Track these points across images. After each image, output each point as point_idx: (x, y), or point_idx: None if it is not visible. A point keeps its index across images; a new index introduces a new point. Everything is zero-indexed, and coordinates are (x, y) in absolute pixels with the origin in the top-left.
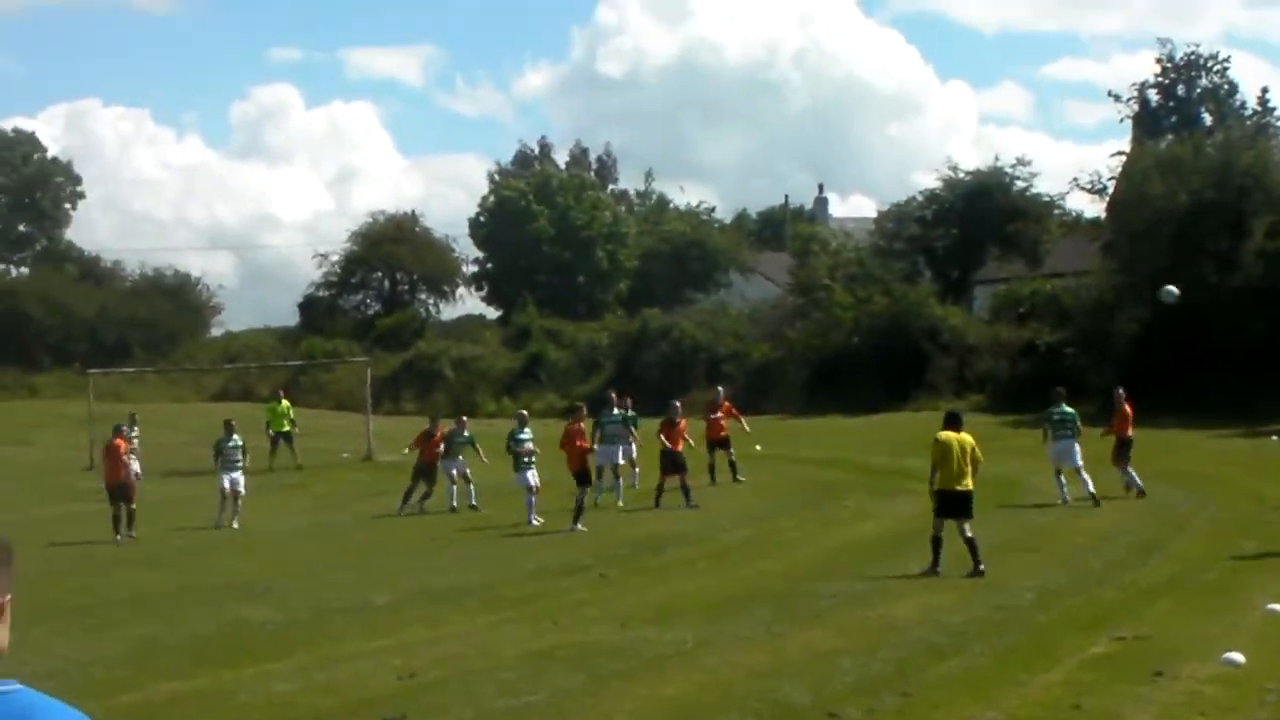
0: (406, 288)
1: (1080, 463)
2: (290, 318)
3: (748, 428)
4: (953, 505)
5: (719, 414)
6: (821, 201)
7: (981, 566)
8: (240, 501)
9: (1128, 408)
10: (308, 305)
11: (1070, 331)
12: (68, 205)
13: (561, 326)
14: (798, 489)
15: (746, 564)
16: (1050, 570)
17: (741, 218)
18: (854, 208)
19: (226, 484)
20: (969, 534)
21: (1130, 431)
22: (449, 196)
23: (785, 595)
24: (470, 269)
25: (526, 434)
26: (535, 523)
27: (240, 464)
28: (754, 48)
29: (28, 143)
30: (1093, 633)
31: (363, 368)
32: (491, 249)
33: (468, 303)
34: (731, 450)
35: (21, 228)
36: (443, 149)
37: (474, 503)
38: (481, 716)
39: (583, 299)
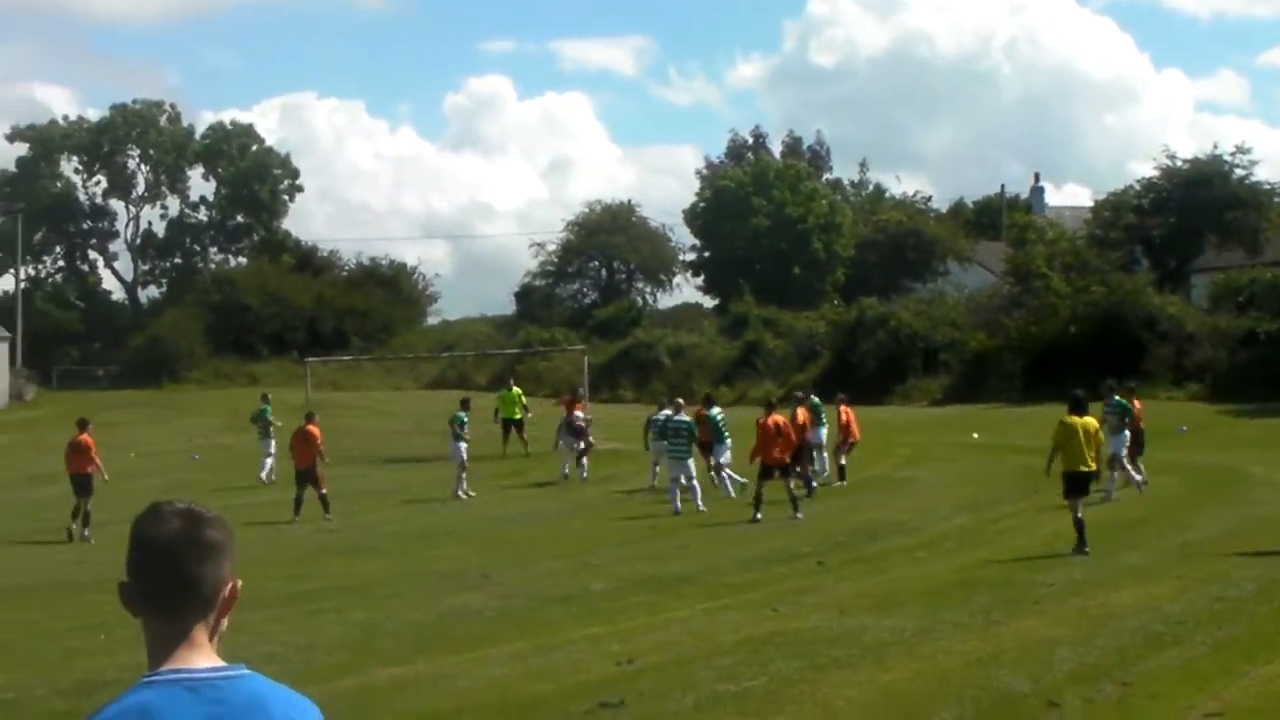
0: (623, 276)
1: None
2: (506, 306)
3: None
4: (1078, 484)
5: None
6: (1038, 191)
7: (1086, 548)
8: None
9: (1136, 403)
10: (524, 294)
11: None
12: (285, 196)
13: (778, 315)
14: (1014, 478)
15: (964, 552)
16: (1272, 561)
17: (958, 207)
18: (1068, 196)
19: (463, 454)
20: (1080, 514)
21: (1140, 424)
22: (662, 185)
23: (1002, 583)
24: (686, 258)
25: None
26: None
27: (465, 437)
28: (966, 37)
29: (245, 134)
30: None
31: (579, 356)
32: (708, 238)
33: (684, 291)
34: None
35: (239, 218)
36: (656, 139)
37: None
38: (701, 702)
39: (799, 288)
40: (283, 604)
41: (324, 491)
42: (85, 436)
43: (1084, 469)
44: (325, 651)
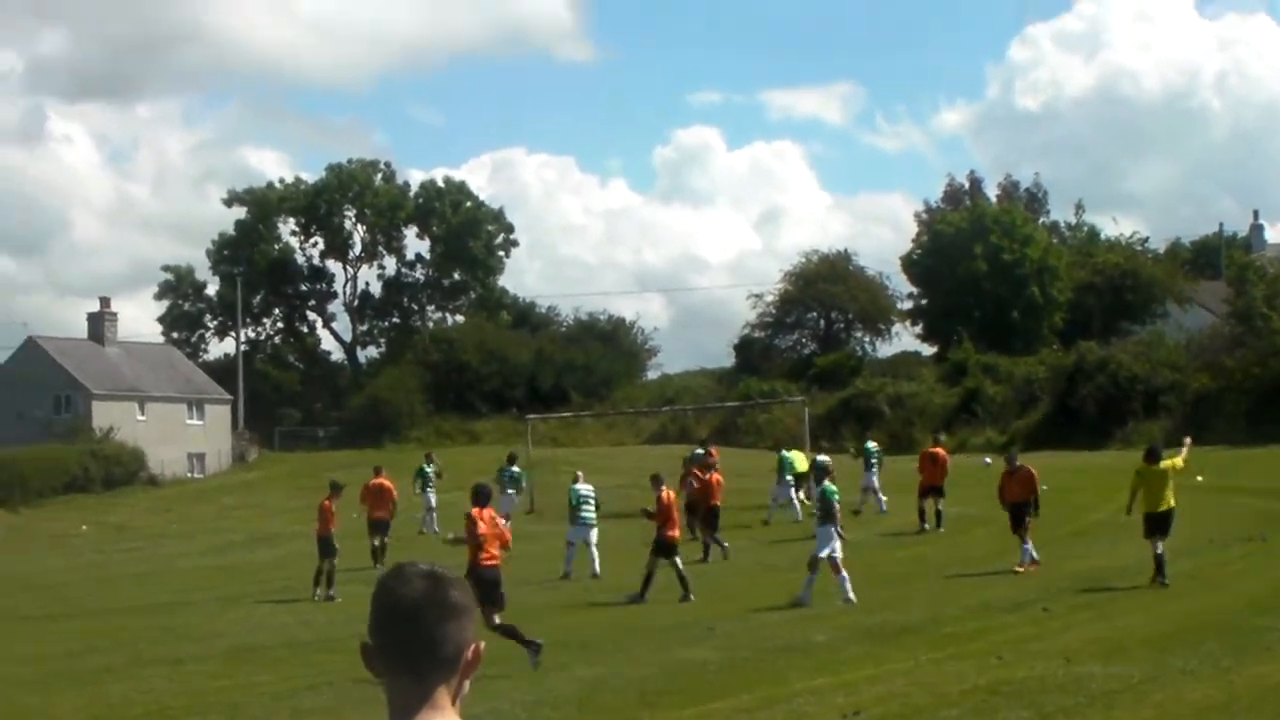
0: (841, 326)
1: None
2: (724, 358)
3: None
4: (1155, 525)
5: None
6: (1257, 228)
7: (1165, 580)
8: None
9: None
10: (743, 346)
11: None
12: (500, 252)
13: (997, 361)
14: (1241, 520)
15: (1191, 597)
16: None
17: (1175, 247)
18: None
19: None
20: (1160, 550)
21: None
22: (874, 233)
23: (1232, 629)
24: (903, 305)
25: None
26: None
27: None
28: (1172, 74)
29: (457, 191)
30: None
31: (800, 407)
32: (926, 285)
33: (902, 339)
34: (941, 501)
35: (455, 275)
36: (866, 186)
37: None
38: None
39: (1018, 333)
40: (509, 660)
41: (387, 541)
42: (326, 500)
43: (1158, 510)
44: (552, 708)
